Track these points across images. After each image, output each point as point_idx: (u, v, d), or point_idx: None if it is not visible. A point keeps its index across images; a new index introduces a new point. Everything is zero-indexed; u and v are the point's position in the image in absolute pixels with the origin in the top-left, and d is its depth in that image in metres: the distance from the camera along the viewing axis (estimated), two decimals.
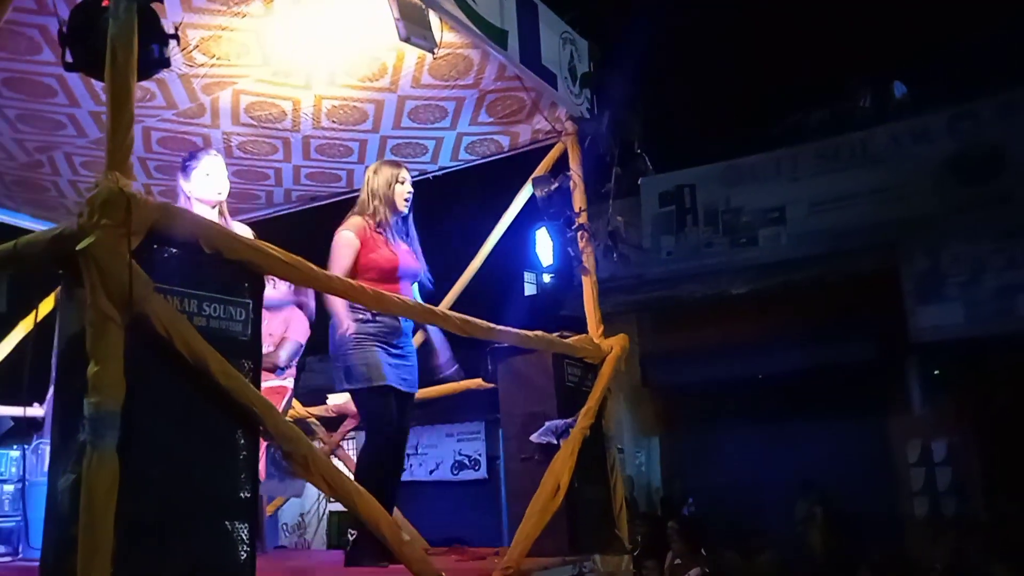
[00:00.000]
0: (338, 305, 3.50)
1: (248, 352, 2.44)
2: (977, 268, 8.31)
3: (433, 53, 3.49)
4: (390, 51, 3.91)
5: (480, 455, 11.97)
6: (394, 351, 3.71)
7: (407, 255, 3.85)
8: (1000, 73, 8.80)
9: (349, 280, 2.72)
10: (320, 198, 5.56)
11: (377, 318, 3.62)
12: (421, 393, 4.08)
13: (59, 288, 3.51)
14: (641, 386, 10.80)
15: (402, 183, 3.88)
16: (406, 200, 3.88)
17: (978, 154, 8.49)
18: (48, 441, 2.85)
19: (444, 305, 4.96)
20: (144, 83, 4.01)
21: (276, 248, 2.51)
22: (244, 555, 2.33)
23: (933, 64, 9.58)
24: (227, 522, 2.32)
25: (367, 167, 5.01)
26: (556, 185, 4.47)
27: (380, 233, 3.79)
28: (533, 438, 3.93)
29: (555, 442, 3.89)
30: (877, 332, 9.22)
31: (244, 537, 2.34)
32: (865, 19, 10.28)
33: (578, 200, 4.53)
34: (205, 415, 2.31)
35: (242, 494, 2.37)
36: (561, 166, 4.68)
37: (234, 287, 2.45)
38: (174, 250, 2.29)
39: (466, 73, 4.11)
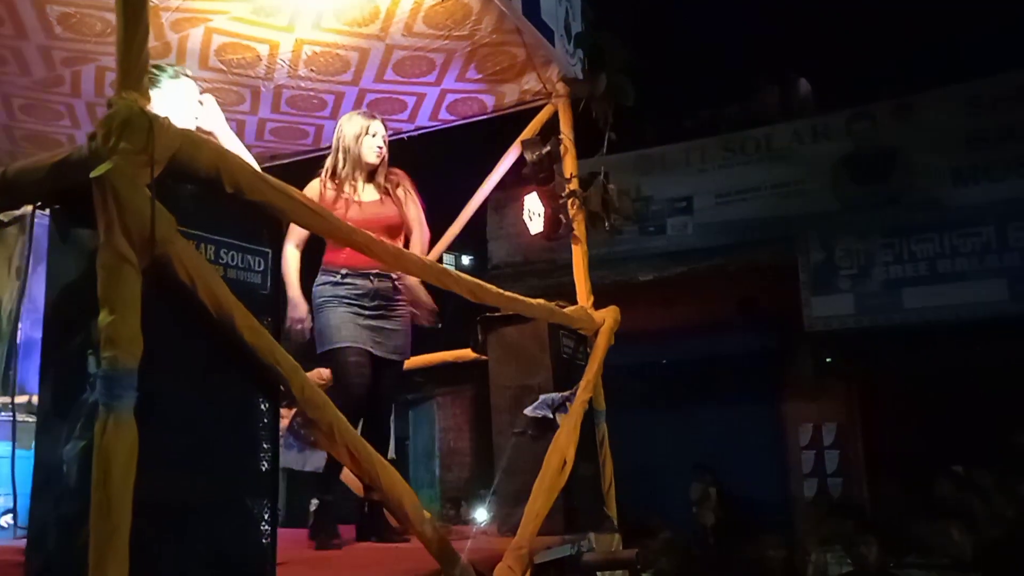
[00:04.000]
0: (290, 275, 3.40)
1: (268, 307, 2.15)
2: (867, 262, 8.67)
3: None
4: None
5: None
6: (368, 312, 3.48)
7: (372, 213, 3.56)
8: (897, 77, 9.25)
9: (369, 234, 2.45)
10: (281, 156, 5.18)
11: (346, 279, 3.44)
12: (410, 362, 3.85)
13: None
14: None
15: (372, 136, 3.61)
16: (376, 153, 3.61)
17: (872, 154, 8.84)
18: None
19: None
20: (105, 14, 3.66)
21: (300, 192, 2.23)
22: (266, 540, 2.05)
23: (836, 65, 9.98)
24: (248, 499, 2.04)
25: (336, 123, 4.78)
26: (547, 149, 4.26)
27: (339, 191, 3.53)
28: (527, 411, 3.72)
29: (551, 416, 3.70)
30: (774, 321, 9.59)
31: (266, 517, 2.06)
32: (776, 18, 10.52)
33: (569, 165, 4.33)
34: (226, 376, 2.02)
35: (263, 467, 2.09)
36: (549, 129, 4.47)
37: (253, 233, 2.15)
38: (190, 186, 1.98)
39: (463, 22, 3.85)
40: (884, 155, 8.74)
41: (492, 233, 10.61)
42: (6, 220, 5.15)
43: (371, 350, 3.47)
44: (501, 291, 3.21)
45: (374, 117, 3.68)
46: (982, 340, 8.54)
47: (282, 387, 2.11)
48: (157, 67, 3.22)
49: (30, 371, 5.07)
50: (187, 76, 3.24)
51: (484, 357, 4.08)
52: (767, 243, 9.12)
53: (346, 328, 3.43)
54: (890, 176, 8.69)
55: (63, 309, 1.97)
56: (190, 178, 1.95)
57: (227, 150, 2.01)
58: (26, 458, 4.22)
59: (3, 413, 4.63)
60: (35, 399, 4.65)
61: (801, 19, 10.38)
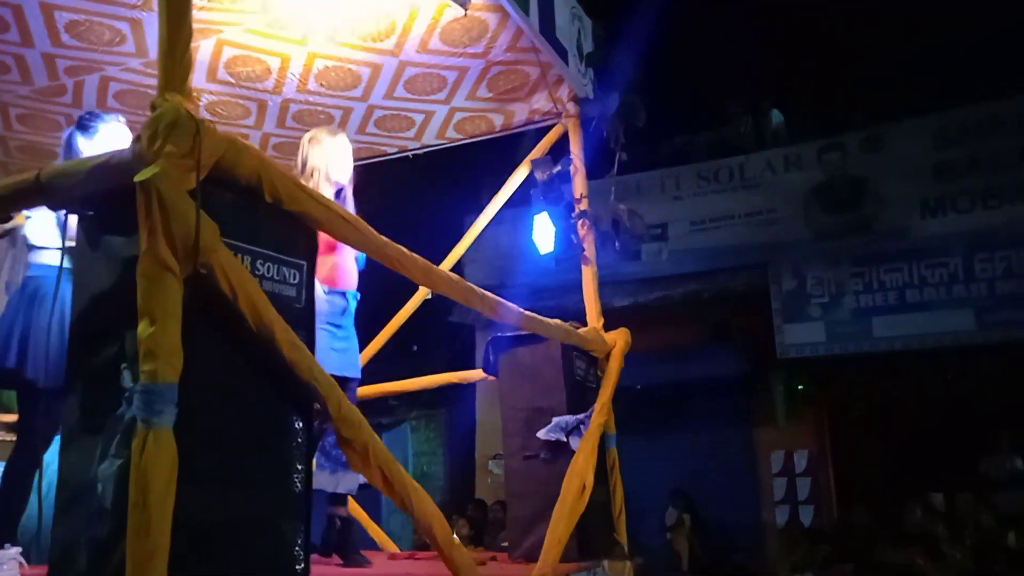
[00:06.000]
0: None
1: (303, 322, 2.06)
2: (837, 291, 8.79)
3: (465, 11, 3.19)
4: (403, 8, 3.57)
5: None
6: (339, 333, 3.34)
7: None
8: (866, 108, 9.41)
9: (401, 247, 2.38)
10: None
11: (327, 295, 3.27)
12: (412, 383, 3.77)
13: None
14: None
15: (342, 151, 3.43)
16: (346, 172, 3.43)
17: (842, 184, 8.96)
18: None
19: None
20: (116, 23, 3.58)
21: (336, 204, 2.16)
22: (300, 565, 1.95)
23: (807, 95, 10.13)
24: (282, 522, 1.95)
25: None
26: (558, 168, 4.22)
27: None
28: (541, 434, 3.64)
29: (564, 439, 3.62)
30: (746, 347, 9.64)
31: (299, 541, 1.97)
32: (749, 47, 10.71)
33: (579, 185, 4.29)
34: (261, 392, 1.94)
35: (296, 488, 2.00)
36: (558, 149, 4.43)
37: (289, 244, 2.07)
38: (230, 194, 1.90)
39: (478, 39, 3.81)
40: (854, 185, 8.87)
41: (469, 255, 10.55)
42: None
43: (336, 373, 3.29)
44: (521, 310, 3.15)
45: (339, 132, 3.53)
46: (950, 369, 8.70)
47: (318, 405, 2.03)
48: (92, 115, 3.18)
49: None
50: (119, 122, 3.17)
51: (491, 377, 4.01)
52: (740, 270, 9.20)
53: (326, 354, 3.15)
54: (860, 206, 8.81)
55: (92, 320, 1.88)
56: (229, 185, 1.87)
57: (269, 158, 1.93)
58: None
59: None
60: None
61: (773, 49, 10.55)
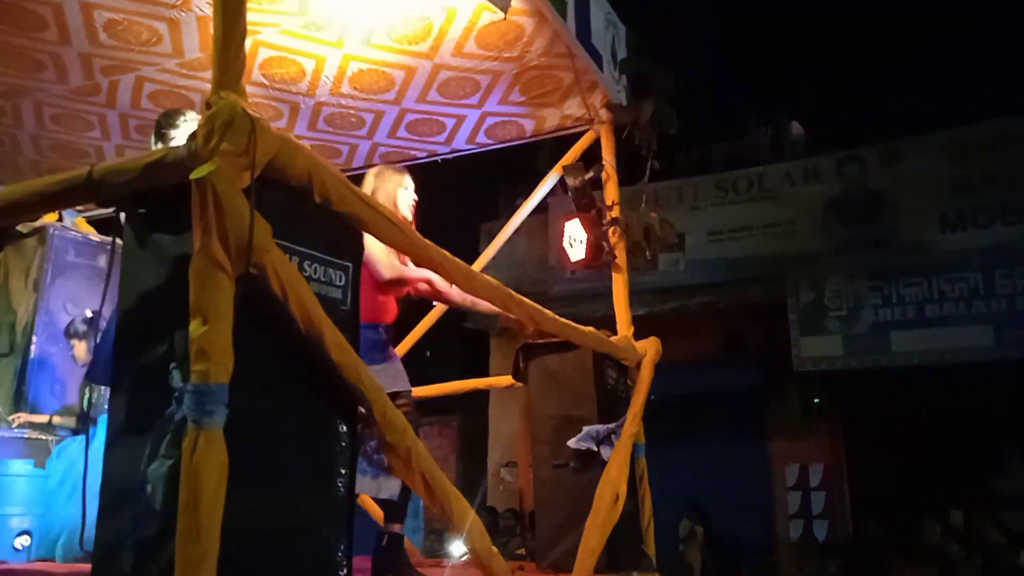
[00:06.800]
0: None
1: (348, 325, 2.04)
2: (856, 304, 8.72)
3: (505, 14, 3.17)
4: (440, 11, 3.55)
5: None
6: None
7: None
8: (886, 121, 9.35)
9: (444, 252, 2.36)
10: None
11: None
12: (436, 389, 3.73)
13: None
14: None
15: (406, 189, 3.43)
16: (410, 207, 3.43)
17: (860, 198, 8.93)
18: None
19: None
20: (154, 23, 3.58)
21: (381, 204, 2.14)
22: (344, 571, 1.92)
23: (827, 108, 10.12)
24: (324, 527, 1.92)
25: (372, 143, 4.71)
26: (591, 175, 4.19)
27: None
28: (571, 443, 3.60)
29: (595, 449, 3.59)
30: (762, 359, 9.59)
31: (343, 547, 1.94)
32: (771, 60, 10.68)
33: (611, 192, 4.26)
34: (306, 395, 1.91)
35: (340, 492, 1.97)
36: (589, 156, 4.41)
37: (336, 246, 2.06)
38: (279, 193, 1.88)
39: (514, 43, 3.79)
40: (873, 199, 8.83)
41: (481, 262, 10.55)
42: (25, 231, 5.03)
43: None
44: (556, 316, 3.12)
45: (404, 171, 3.53)
46: (967, 385, 8.58)
47: (363, 409, 2.00)
48: (176, 111, 3.15)
49: (43, 387, 4.95)
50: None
51: (519, 384, 3.98)
52: (757, 282, 9.15)
53: None
54: (878, 220, 8.78)
55: (140, 319, 1.86)
56: (279, 184, 1.86)
57: (320, 158, 1.91)
58: (41, 477, 4.09)
59: (17, 429, 4.50)
60: (56, 419, 4.51)
61: (794, 61, 10.52)
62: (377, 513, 3.62)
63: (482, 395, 10.56)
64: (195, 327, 1.64)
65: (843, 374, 8.84)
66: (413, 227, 3.43)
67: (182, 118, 3.08)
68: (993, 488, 8.15)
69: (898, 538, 8.20)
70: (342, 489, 1.98)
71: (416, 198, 3.46)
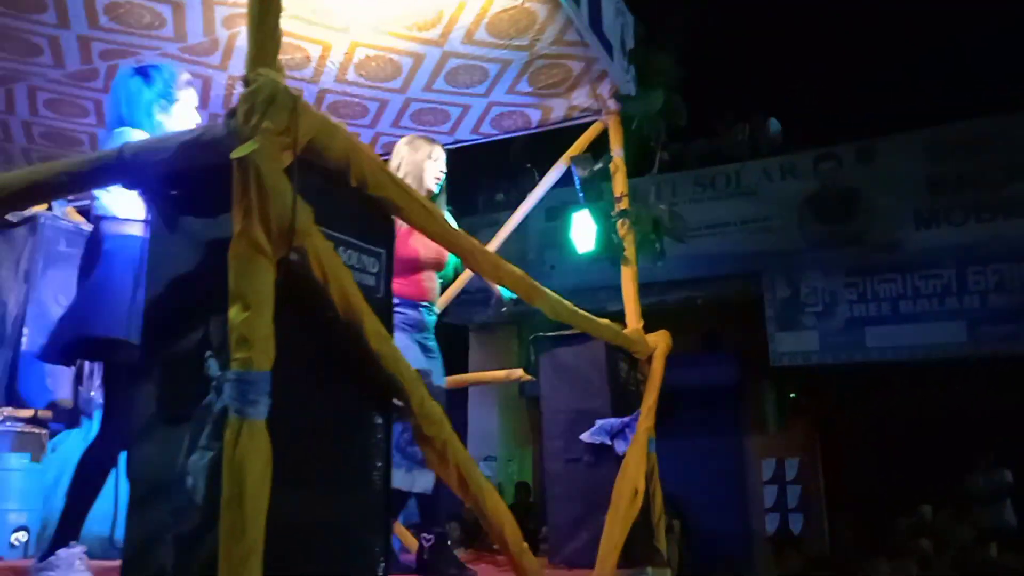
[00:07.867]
0: None
1: (383, 312, 1.97)
2: (831, 301, 8.83)
3: None
4: None
5: None
6: (421, 341, 3.27)
7: (430, 245, 3.33)
8: (861, 119, 9.45)
9: (475, 240, 2.29)
10: None
11: (399, 309, 3.05)
12: (454, 380, 3.67)
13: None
14: (518, 396, 10.85)
15: (435, 160, 3.37)
16: (437, 179, 3.36)
17: (837, 195, 9.01)
18: None
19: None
20: (157, 6, 3.48)
21: (415, 190, 2.07)
22: (382, 565, 1.86)
23: (804, 105, 10.14)
24: (363, 520, 1.85)
25: (375, 132, 4.62)
26: (599, 166, 4.14)
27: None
28: (584, 438, 3.55)
29: (608, 443, 3.54)
30: (739, 355, 9.72)
31: (381, 541, 1.87)
32: (749, 58, 10.72)
33: (619, 184, 4.21)
34: (343, 384, 1.84)
35: (376, 486, 1.90)
36: (597, 147, 4.35)
37: (369, 231, 1.98)
38: (316, 175, 1.80)
39: (525, 31, 3.72)
40: (849, 196, 8.91)
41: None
42: (15, 220, 4.90)
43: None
44: (575, 309, 3.06)
45: (435, 142, 3.47)
46: (941, 380, 8.76)
47: (397, 400, 1.93)
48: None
49: (33, 381, 4.81)
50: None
51: (529, 378, 3.93)
52: (734, 278, 9.21)
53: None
54: (854, 216, 8.85)
55: (171, 305, 1.78)
56: (316, 166, 1.78)
57: (358, 140, 1.84)
58: (37, 471, 3.98)
59: (8, 423, 4.38)
60: (41, 413, 4.39)
61: (771, 58, 10.55)
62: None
63: (461, 390, 10.57)
64: (235, 313, 1.56)
65: (819, 369, 8.95)
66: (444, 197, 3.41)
67: None
68: (965, 483, 8.24)
69: (872, 532, 8.28)
70: (378, 482, 1.91)
71: (444, 170, 3.40)
